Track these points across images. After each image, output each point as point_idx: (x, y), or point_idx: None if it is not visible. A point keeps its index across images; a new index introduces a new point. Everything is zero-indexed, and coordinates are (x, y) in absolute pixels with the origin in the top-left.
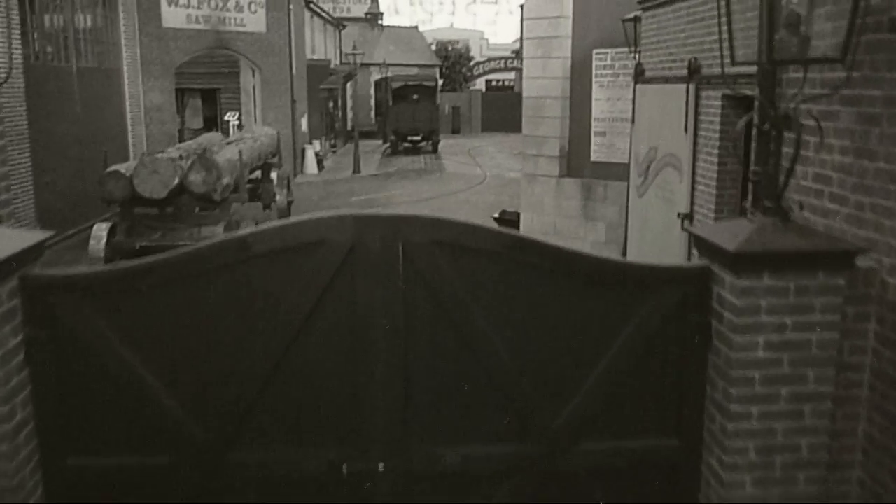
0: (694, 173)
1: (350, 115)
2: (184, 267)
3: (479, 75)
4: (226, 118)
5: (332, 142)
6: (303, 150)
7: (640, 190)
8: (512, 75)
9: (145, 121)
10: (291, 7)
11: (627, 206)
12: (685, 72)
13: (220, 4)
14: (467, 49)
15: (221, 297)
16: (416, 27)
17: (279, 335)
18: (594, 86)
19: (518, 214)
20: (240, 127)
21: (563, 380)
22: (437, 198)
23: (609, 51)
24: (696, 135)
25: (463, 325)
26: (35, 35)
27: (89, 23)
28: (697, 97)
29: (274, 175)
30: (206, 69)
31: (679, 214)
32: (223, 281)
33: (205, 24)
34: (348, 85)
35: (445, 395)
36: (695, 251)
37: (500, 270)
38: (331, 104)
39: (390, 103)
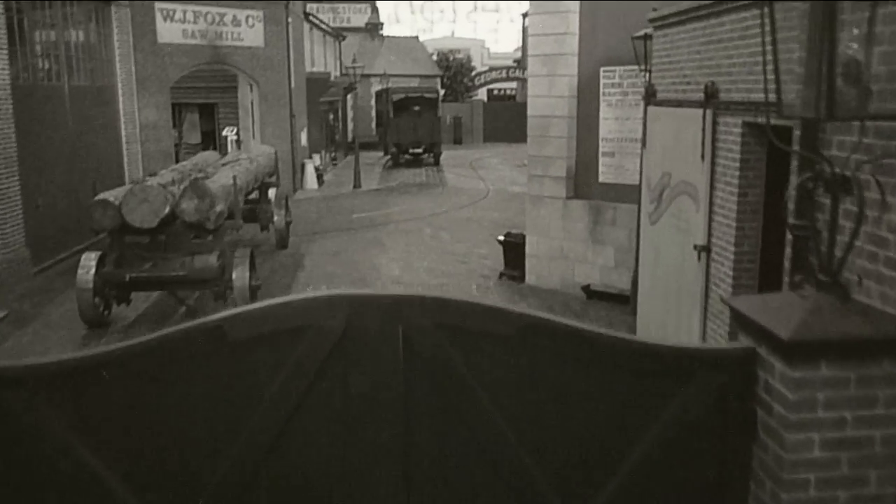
0: (711, 203)
1: (351, 126)
2: (151, 357)
3: (481, 85)
4: (224, 133)
5: (333, 154)
6: (302, 165)
7: (652, 217)
8: (514, 84)
9: (141, 138)
10: (290, 20)
11: (638, 233)
12: (701, 95)
13: (217, 19)
14: (468, 59)
15: (195, 390)
16: (417, 37)
17: (261, 431)
18: (602, 105)
19: (523, 237)
20: (238, 142)
21: (586, 477)
22: (439, 214)
23: (617, 68)
24: (713, 163)
25: (471, 417)
26: (24, 54)
27: (82, 39)
28: (715, 123)
29: (272, 195)
30: (203, 83)
31: (695, 246)
32: (196, 371)
33: (201, 39)
34: (349, 97)
35: (451, 494)
36: (715, 319)
37: (513, 355)
38: (331, 116)
39: (391, 115)
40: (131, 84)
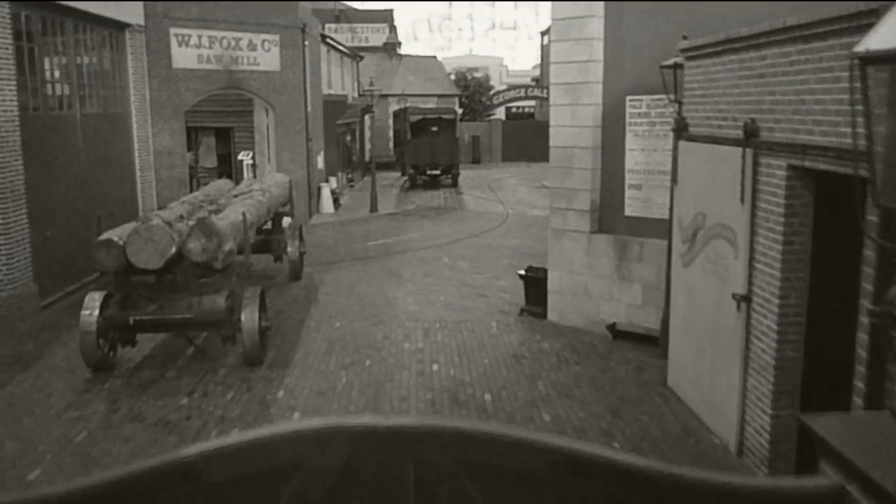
0: (752, 250)
1: (368, 146)
2: (110, 501)
3: (499, 104)
4: (239, 158)
5: (350, 176)
6: (318, 189)
7: (684, 258)
8: (532, 102)
9: (155, 165)
10: (307, 43)
11: (669, 273)
12: (739, 133)
13: (233, 43)
14: (487, 78)
15: None
16: (435, 57)
17: None
18: (628, 135)
19: (545, 271)
20: (254, 167)
21: None
22: (457, 241)
23: (644, 98)
24: (753, 206)
25: None
26: (34, 83)
27: (95, 66)
28: (756, 164)
29: (286, 224)
30: (219, 107)
31: (734, 296)
32: None
33: (217, 64)
34: (366, 117)
35: None
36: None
37: (550, 497)
38: (348, 138)
39: (408, 136)
40: (145, 110)
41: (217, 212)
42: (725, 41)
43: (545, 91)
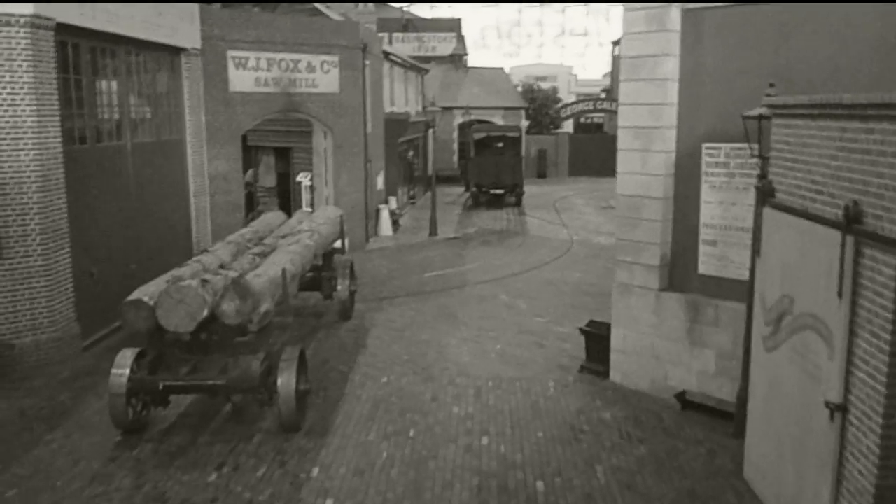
0: (850, 353)
1: (431, 159)
2: None
3: (567, 117)
4: (298, 179)
5: (412, 192)
6: (377, 211)
7: (766, 342)
8: (601, 113)
9: (210, 190)
10: (368, 63)
11: (747, 343)
12: (838, 214)
13: (291, 66)
14: (554, 90)
15: None
16: (502, 68)
17: None
18: (704, 186)
19: (608, 327)
20: (311, 188)
21: None
22: (517, 275)
23: (723, 146)
24: (854, 303)
25: None
26: (82, 115)
27: (148, 93)
28: (858, 255)
29: (337, 261)
30: (280, 127)
31: (828, 404)
32: None
33: (274, 87)
34: (430, 131)
35: None
36: None
37: None
38: (411, 153)
39: (472, 154)
40: (201, 135)
41: (262, 255)
42: (823, 105)
43: (614, 104)
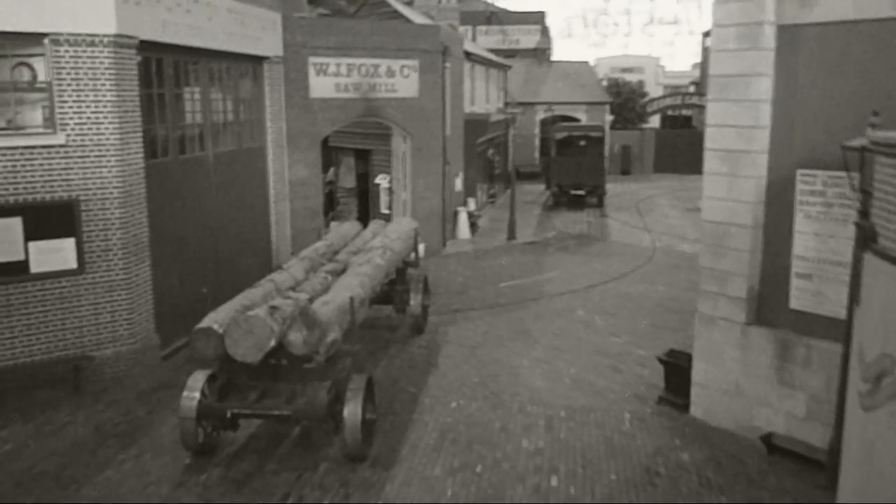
0: None
1: (512, 158)
2: None
3: (653, 112)
4: (376, 181)
5: (492, 191)
6: (455, 214)
7: (864, 400)
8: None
9: (290, 196)
10: (448, 66)
11: (842, 389)
12: None
13: (371, 71)
14: (641, 84)
15: None
16: (587, 62)
17: None
18: (797, 215)
19: (689, 358)
20: (390, 191)
21: None
22: (595, 287)
23: (819, 173)
24: None
25: None
26: (164, 130)
27: (230, 102)
28: None
29: (410, 275)
30: (360, 129)
31: None
32: None
33: (354, 93)
34: (510, 128)
35: None
36: None
37: None
38: (491, 151)
39: (553, 154)
40: (281, 141)
41: (334, 272)
42: None
43: (703, 99)
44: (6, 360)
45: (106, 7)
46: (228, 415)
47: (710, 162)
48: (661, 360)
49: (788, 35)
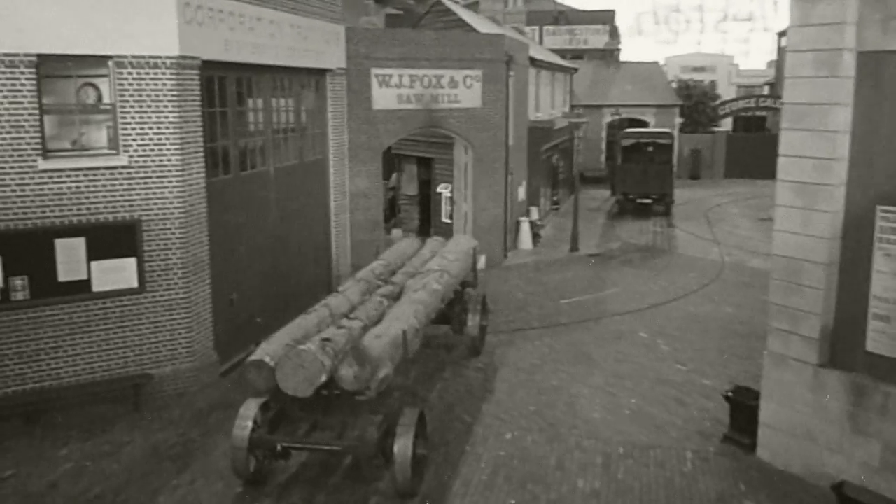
0: None
1: (577, 162)
2: None
3: (725, 115)
4: (438, 190)
5: (555, 198)
6: (517, 224)
7: None
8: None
9: (350, 207)
10: (512, 74)
11: None
12: None
13: (434, 81)
14: (712, 85)
15: None
16: (657, 62)
17: None
18: (877, 254)
19: (756, 395)
20: (451, 200)
21: None
22: (659, 306)
23: None
24: None
25: None
26: (226, 147)
27: (292, 116)
28: None
29: (468, 296)
30: (422, 137)
31: None
32: None
33: (416, 104)
34: (576, 133)
35: None
36: None
37: None
38: (555, 157)
39: (619, 161)
40: (343, 153)
41: (390, 297)
42: None
43: (778, 101)
44: (69, 376)
45: (169, 29)
46: (279, 448)
47: (783, 194)
48: (726, 397)
49: (870, 62)
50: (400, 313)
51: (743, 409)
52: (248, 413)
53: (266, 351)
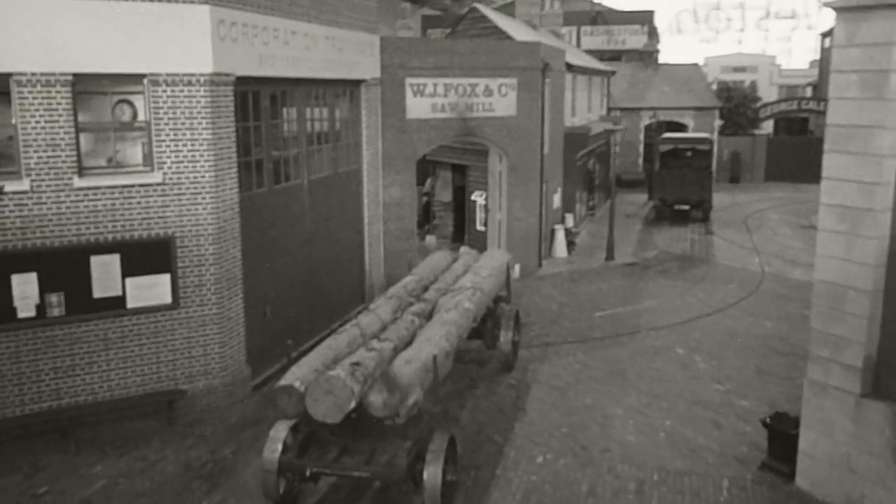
0: None
1: (614, 166)
2: None
3: (766, 118)
4: (472, 198)
5: (591, 203)
6: (552, 232)
7: None
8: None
9: (383, 217)
10: (548, 81)
11: None
12: None
13: (468, 90)
14: (753, 87)
15: None
16: (696, 64)
17: None
18: None
19: (796, 422)
20: (486, 208)
21: None
22: (696, 321)
23: None
24: None
25: None
26: (259, 161)
27: (326, 128)
28: None
29: (501, 311)
30: (457, 144)
31: None
32: None
33: (451, 112)
34: (612, 140)
35: None
36: None
37: None
38: (591, 161)
39: (657, 167)
40: (377, 163)
41: (422, 315)
42: None
43: (822, 104)
44: (103, 392)
45: (203, 47)
46: (308, 473)
47: (826, 218)
48: (765, 424)
49: None
50: (431, 335)
51: (782, 436)
52: (279, 435)
53: (296, 375)
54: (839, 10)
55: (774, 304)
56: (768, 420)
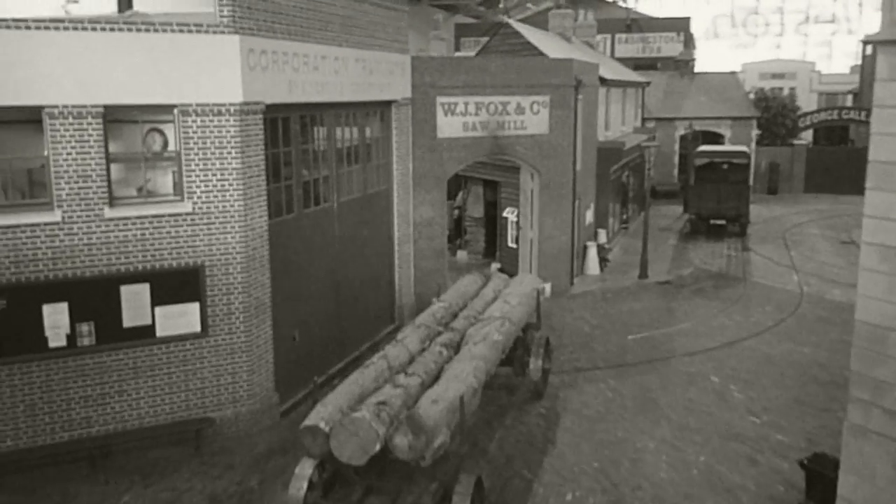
0: None
1: (649, 179)
2: None
3: (805, 127)
4: (504, 214)
5: (624, 216)
6: (584, 248)
7: None
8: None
9: (414, 237)
10: (581, 97)
11: None
12: None
13: (500, 108)
14: (792, 96)
15: None
16: (733, 72)
17: None
18: None
19: (835, 464)
20: (517, 225)
21: None
22: (732, 345)
23: None
24: None
25: None
26: (289, 186)
27: (356, 150)
28: None
29: (531, 338)
30: (489, 160)
31: None
32: None
33: (482, 131)
34: (647, 155)
35: None
36: None
37: None
38: (625, 174)
39: (692, 181)
40: (407, 183)
41: (450, 345)
42: None
43: (863, 113)
44: (132, 420)
45: (233, 77)
46: None
47: (867, 257)
48: (803, 465)
49: None
50: (458, 371)
51: (821, 479)
52: (304, 473)
53: (321, 415)
54: (881, 43)
55: (813, 327)
56: (806, 461)
